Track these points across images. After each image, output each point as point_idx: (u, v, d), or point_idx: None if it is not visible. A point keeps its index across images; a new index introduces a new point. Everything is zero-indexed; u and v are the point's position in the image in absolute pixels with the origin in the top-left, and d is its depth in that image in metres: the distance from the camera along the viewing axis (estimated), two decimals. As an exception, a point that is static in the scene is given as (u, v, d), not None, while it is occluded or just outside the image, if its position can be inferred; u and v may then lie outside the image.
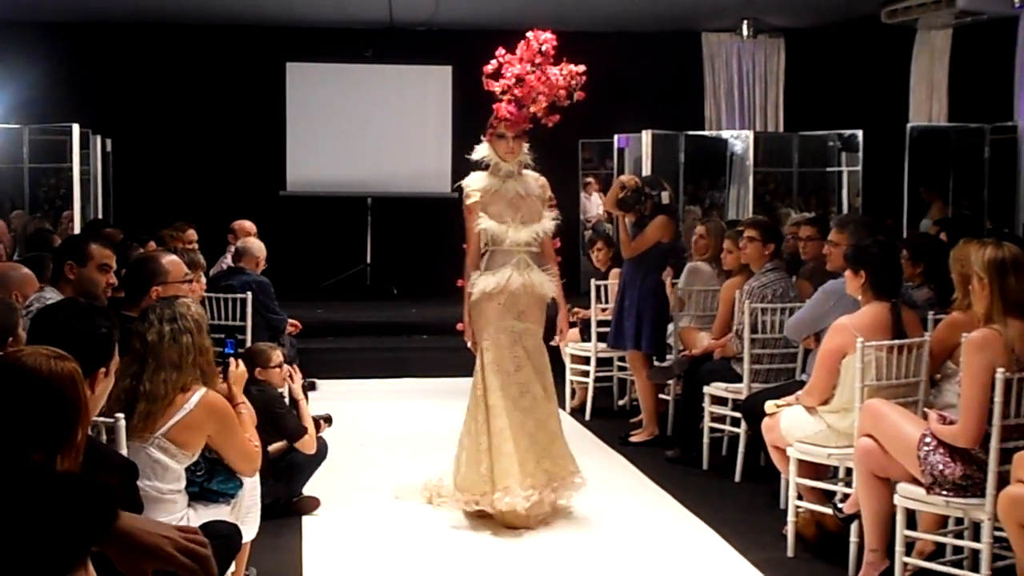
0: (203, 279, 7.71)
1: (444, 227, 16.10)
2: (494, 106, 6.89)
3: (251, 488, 5.07)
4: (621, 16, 14.56)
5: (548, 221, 7.04)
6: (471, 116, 15.98)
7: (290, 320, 9.52)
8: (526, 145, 7.07)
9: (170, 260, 6.06)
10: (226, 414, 4.67)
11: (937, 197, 13.18)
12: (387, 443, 9.15)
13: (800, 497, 6.30)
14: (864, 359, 5.73)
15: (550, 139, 15.69)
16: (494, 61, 7.00)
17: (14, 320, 4.36)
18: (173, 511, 4.53)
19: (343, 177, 16.13)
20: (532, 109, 6.91)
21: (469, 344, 7.13)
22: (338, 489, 7.44)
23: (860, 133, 13.95)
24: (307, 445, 6.77)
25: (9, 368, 2.84)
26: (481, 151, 7.08)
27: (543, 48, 6.94)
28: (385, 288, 15.79)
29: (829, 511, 6.22)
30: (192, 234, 9.38)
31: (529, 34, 6.97)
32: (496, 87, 6.95)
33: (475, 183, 7.04)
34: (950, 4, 12.46)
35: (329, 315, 13.06)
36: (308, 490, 7.19)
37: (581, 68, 7.04)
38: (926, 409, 5.67)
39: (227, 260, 9.15)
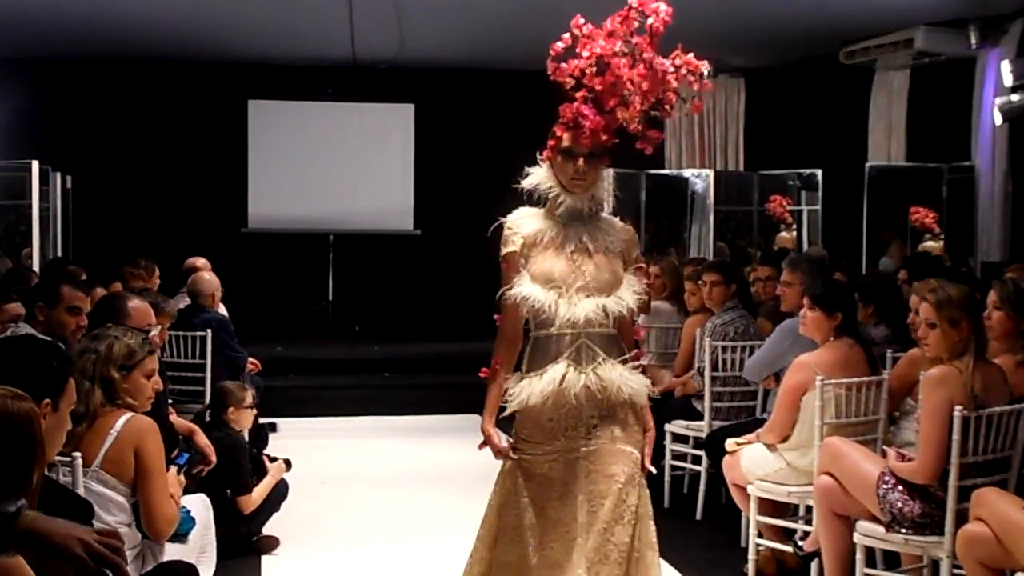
0: (167, 328, 7.63)
1: (407, 264, 16.22)
2: (561, 108, 4.35)
3: (205, 527, 5.04)
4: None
5: (629, 292, 4.38)
6: (433, 154, 16.18)
7: (250, 358, 9.47)
8: (607, 172, 4.60)
9: (137, 306, 6.04)
10: (155, 443, 4.54)
11: (896, 237, 13.30)
12: (348, 482, 9.10)
13: (761, 535, 6.32)
14: (823, 396, 5.77)
15: (509, 176, 15.88)
16: (567, 36, 4.34)
17: None
18: (132, 543, 4.45)
19: (305, 214, 16.11)
20: (620, 115, 4.28)
21: (494, 454, 4.62)
22: (298, 529, 7.39)
23: (820, 172, 14.06)
24: (247, 504, 6.77)
25: None
26: (536, 176, 4.50)
27: (649, 22, 4.22)
28: (347, 325, 15.77)
29: (790, 549, 6.25)
30: (151, 270, 9.34)
31: (634, 0, 4.24)
32: (566, 77, 4.32)
33: (522, 223, 4.50)
34: (908, 45, 12.60)
35: (290, 353, 13.01)
36: (268, 529, 7.16)
37: (704, 64, 4.31)
38: (885, 447, 5.70)
39: (183, 299, 9.09)
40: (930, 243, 13.23)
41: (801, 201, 14.67)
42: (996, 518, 4.86)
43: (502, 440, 4.55)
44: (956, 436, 5.07)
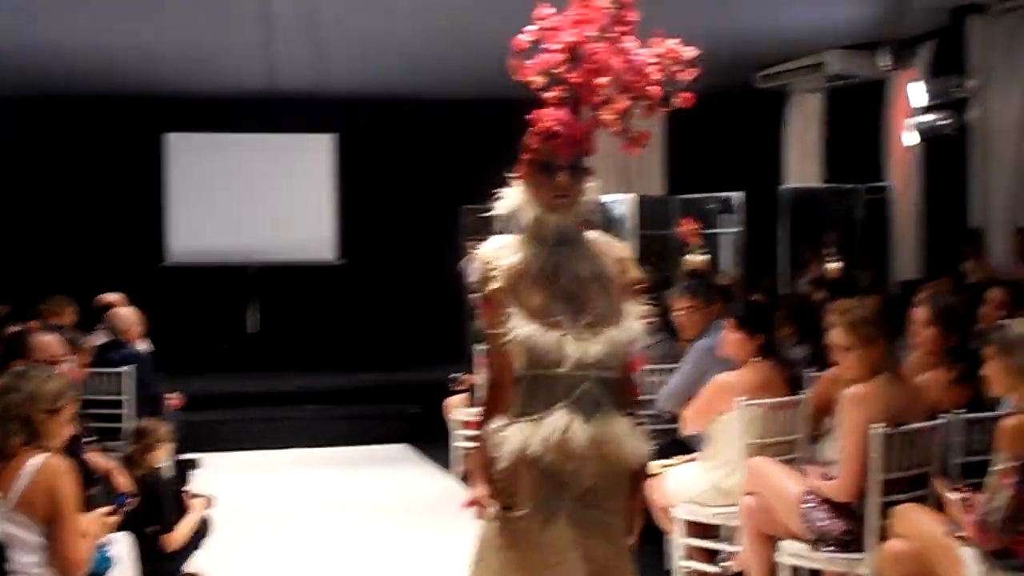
0: (85, 363, 7.55)
1: (330, 295, 16.17)
2: (533, 114, 3.65)
3: (125, 565, 4.97)
4: (505, 86, 14.67)
5: (633, 322, 3.71)
6: (358, 183, 16.16)
7: (172, 393, 9.38)
8: (592, 186, 3.75)
9: (42, 339, 6.00)
10: (68, 484, 4.47)
11: (813, 255, 13.42)
12: (273, 517, 9.05)
13: (688, 556, 6.33)
14: (745, 417, 5.80)
15: (428, 205, 15.99)
16: (531, 28, 3.64)
17: None
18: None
19: (226, 246, 16.01)
20: (604, 115, 3.61)
21: (479, 513, 3.78)
22: (221, 566, 7.29)
23: (738, 195, 14.18)
24: (170, 542, 6.68)
25: None
26: (511, 199, 3.76)
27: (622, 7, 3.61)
28: (270, 358, 15.65)
29: (716, 570, 6.27)
30: (71, 310, 9.23)
31: None
32: (535, 76, 3.64)
33: (501, 254, 3.72)
34: (821, 69, 12.76)
35: (213, 387, 12.87)
36: (190, 567, 7.08)
37: (688, 51, 3.66)
38: (805, 465, 5.74)
39: (101, 335, 8.99)
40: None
41: (721, 224, 14.77)
42: (917, 535, 4.91)
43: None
44: (875, 453, 5.12)
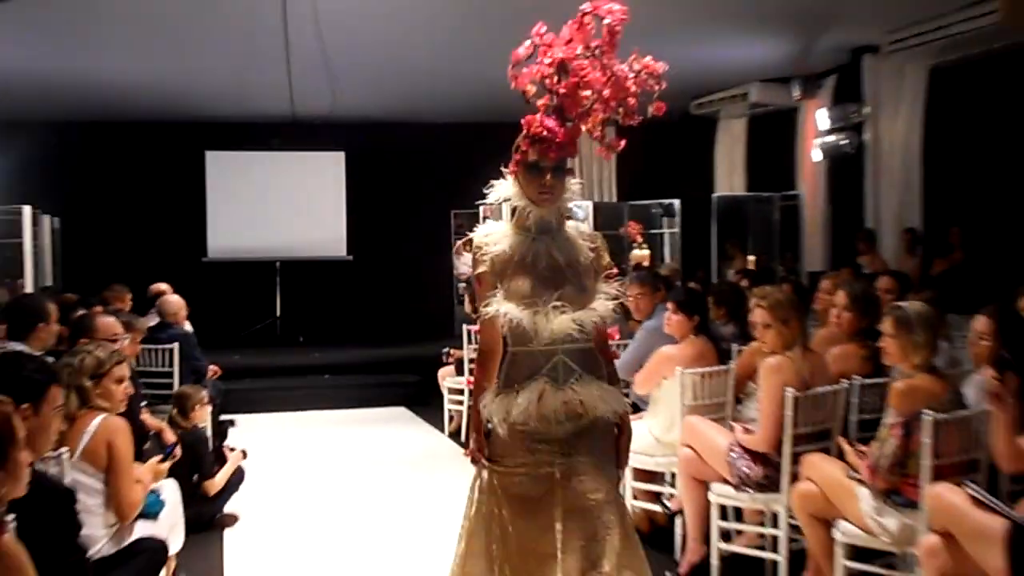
0: (139, 340, 7.53)
1: (341, 284, 16.14)
2: (523, 121, 3.54)
3: (173, 506, 4.96)
4: (489, 110, 14.67)
5: (604, 302, 3.65)
6: (361, 192, 16.13)
7: (211, 366, 9.35)
8: (573, 183, 3.69)
9: (103, 320, 6.01)
10: (124, 440, 4.49)
11: (738, 251, 13.46)
12: (295, 467, 9.01)
13: (635, 497, 6.34)
14: (683, 383, 5.81)
15: (421, 210, 15.97)
16: (527, 43, 3.52)
17: None
18: (109, 522, 4.42)
19: (255, 244, 15.96)
20: (584, 125, 3.55)
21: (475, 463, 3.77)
22: (253, 507, 7.33)
23: (677, 202, 14.18)
24: (211, 487, 6.75)
25: None
26: (502, 190, 3.72)
27: (606, 22, 3.45)
28: (292, 337, 15.63)
29: (659, 508, 6.29)
30: (128, 296, 9.20)
31: (586, 5, 3.47)
32: (529, 85, 3.53)
33: (491, 241, 3.67)
34: (744, 98, 12.77)
35: (245, 360, 12.83)
36: (228, 509, 7.11)
37: (660, 64, 3.51)
38: (732, 422, 5.75)
39: (154, 317, 8.97)
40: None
41: (663, 225, 14.78)
42: (822, 478, 4.93)
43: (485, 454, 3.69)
44: (789, 412, 5.13)
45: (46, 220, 13.84)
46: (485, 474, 3.64)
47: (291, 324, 15.95)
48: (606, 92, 3.45)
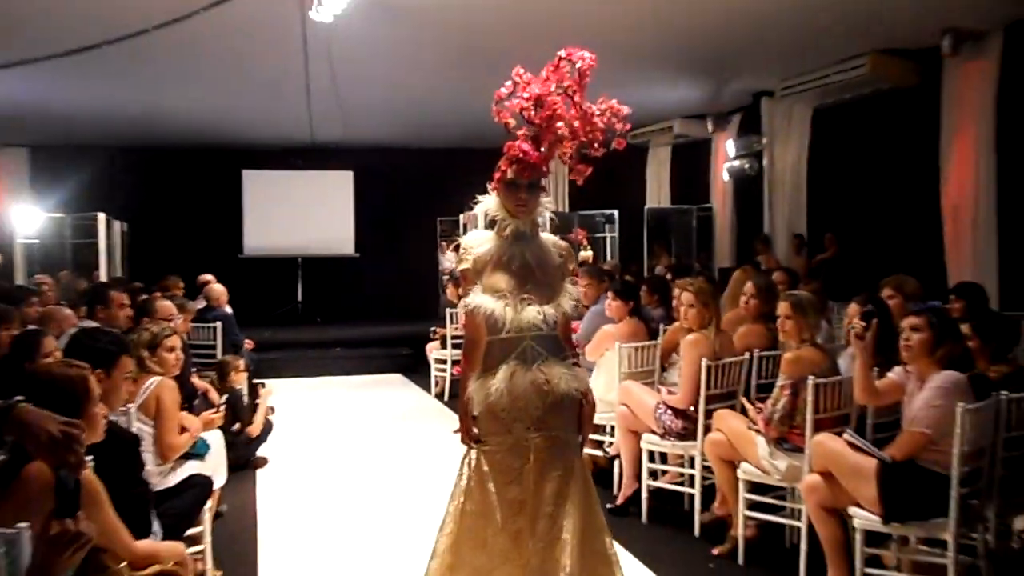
0: (189, 319, 7.52)
1: (349, 276, 16.11)
2: (505, 146, 3.45)
3: (218, 451, 4.95)
4: (468, 138, 14.70)
5: (566, 299, 3.48)
6: (366, 203, 16.10)
7: (247, 340, 9.33)
8: (546, 200, 3.56)
9: (162, 303, 6.00)
10: (169, 395, 4.45)
11: (664, 251, 13.51)
12: (313, 419, 9.01)
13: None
14: (621, 355, 5.85)
15: (413, 217, 15.97)
16: (508, 83, 3.45)
17: (39, 341, 4.21)
18: (158, 462, 4.39)
19: (281, 244, 15.86)
20: (557, 151, 3.47)
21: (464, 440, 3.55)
22: (280, 452, 7.35)
23: (616, 212, 14.22)
24: (252, 431, 6.81)
25: (36, 374, 2.97)
26: (486, 204, 3.57)
27: (578, 66, 3.40)
28: (311, 317, 15.58)
29: (601, 453, 6.33)
30: (180, 285, 9.18)
31: (561, 51, 3.43)
32: (508, 118, 3.46)
33: (475, 243, 3.53)
34: (669, 130, 12.82)
35: (273, 336, 12.77)
36: (259, 452, 7.12)
37: (625, 108, 3.48)
38: (659, 386, 5.80)
39: (201, 302, 8.97)
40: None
41: (604, 231, 14.82)
42: (728, 429, 4.98)
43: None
44: (703, 377, 5.18)
45: (116, 224, 13.73)
46: (473, 453, 3.45)
47: (310, 307, 15.89)
48: (575, 124, 3.37)
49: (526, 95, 3.36)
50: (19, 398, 2.29)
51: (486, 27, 7.90)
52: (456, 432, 3.53)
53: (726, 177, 12.48)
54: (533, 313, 3.35)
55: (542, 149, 3.40)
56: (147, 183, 15.33)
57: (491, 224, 3.56)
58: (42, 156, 14.98)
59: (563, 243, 3.58)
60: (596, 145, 3.42)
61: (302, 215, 15.94)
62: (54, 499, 2.11)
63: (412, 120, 13.31)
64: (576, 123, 3.36)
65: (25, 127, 13.44)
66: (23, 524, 2.44)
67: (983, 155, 8.30)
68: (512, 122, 3.40)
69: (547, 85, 3.36)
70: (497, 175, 3.45)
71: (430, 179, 15.79)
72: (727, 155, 12.27)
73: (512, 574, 3.30)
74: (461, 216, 14.54)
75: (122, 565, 2.75)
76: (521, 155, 3.37)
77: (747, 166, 11.87)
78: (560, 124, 3.36)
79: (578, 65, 3.35)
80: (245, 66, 9.69)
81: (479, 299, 3.38)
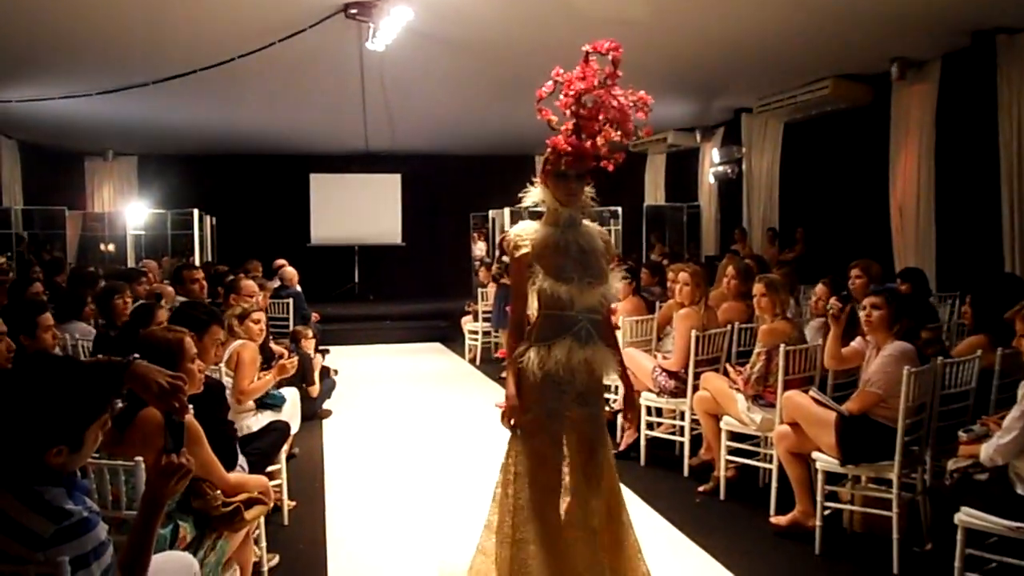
0: (267, 297, 7.59)
1: (397, 261, 16.15)
2: (549, 141, 3.05)
3: (293, 402, 5.00)
4: (495, 146, 14.67)
5: (614, 282, 3.14)
6: (412, 202, 16.12)
7: (314, 313, 9.39)
8: (590, 189, 3.18)
9: (245, 283, 6.03)
10: (247, 353, 4.47)
11: (660, 242, 13.46)
12: (368, 379, 9.04)
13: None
14: (623, 327, 5.85)
15: (450, 213, 15.97)
16: (549, 83, 3.04)
17: (153, 312, 4.28)
18: (245, 408, 4.45)
19: (342, 235, 15.90)
20: (599, 140, 3.06)
21: (507, 423, 3.03)
22: (342, 405, 7.40)
23: (620, 208, 14.18)
24: (312, 391, 6.78)
25: (147, 337, 3.02)
26: (533, 196, 3.15)
27: (610, 57, 3.00)
28: (365, 295, 15.64)
29: (608, 409, 6.33)
30: (260, 268, 9.24)
31: (586, 46, 3.02)
32: (551, 116, 3.06)
33: (526, 232, 3.13)
34: (664, 141, 12.74)
35: (336, 311, 12.82)
36: (325, 406, 7.17)
37: (651, 98, 3.07)
38: (655, 352, 5.80)
39: (277, 282, 9.01)
40: None
41: (608, 225, 14.76)
42: (713, 388, 4.97)
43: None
44: (693, 345, 5.17)
45: (208, 219, 13.84)
46: (520, 426, 3.02)
47: (365, 287, 15.91)
48: (612, 116, 3.04)
49: (571, 92, 3.02)
50: (135, 356, 2.34)
51: (512, 53, 7.89)
52: (499, 406, 3.18)
53: (712, 180, 12.41)
54: (597, 296, 3.04)
55: (587, 141, 3.04)
56: (232, 184, 15.37)
57: (533, 215, 3.25)
58: (148, 163, 15.08)
59: (604, 231, 3.24)
60: (629, 136, 3.08)
61: (358, 211, 15.97)
62: (164, 438, 2.15)
63: (450, 131, 13.29)
64: (615, 114, 3.04)
65: (134, 140, 13.57)
66: (139, 458, 2.51)
67: (924, 163, 8.31)
68: (555, 119, 3.07)
69: (588, 82, 3.02)
70: (546, 168, 3.10)
71: (464, 181, 15.78)
72: (712, 161, 12.20)
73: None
74: (490, 212, 14.53)
75: (217, 492, 2.81)
76: (571, 148, 3.01)
77: (729, 171, 11.80)
78: (601, 117, 3.04)
79: (609, 57, 2.99)
80: (312, 87, 9.71)
81: (546, 283, 3.00)
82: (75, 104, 9.88)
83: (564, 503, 3.02)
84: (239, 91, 9.80)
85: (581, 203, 3.13)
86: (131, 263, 11.76)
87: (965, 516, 3.25)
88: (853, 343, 4.31)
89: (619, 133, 3.04)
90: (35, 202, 13.09)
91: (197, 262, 11.93)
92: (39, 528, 1.81)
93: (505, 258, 8.93)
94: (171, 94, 9.35)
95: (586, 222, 3.17)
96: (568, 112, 3.04)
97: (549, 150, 3.06)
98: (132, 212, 13.51)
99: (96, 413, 1.97)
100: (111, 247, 13.64)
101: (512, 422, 3.00)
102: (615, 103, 3.01)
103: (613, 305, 6.15)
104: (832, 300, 4.43)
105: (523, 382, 3.00)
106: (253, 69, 8.15)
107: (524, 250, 3.07)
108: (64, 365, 2.05)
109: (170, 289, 5.96)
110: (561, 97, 3.03)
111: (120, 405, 2.77)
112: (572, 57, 3.07)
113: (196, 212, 12.70)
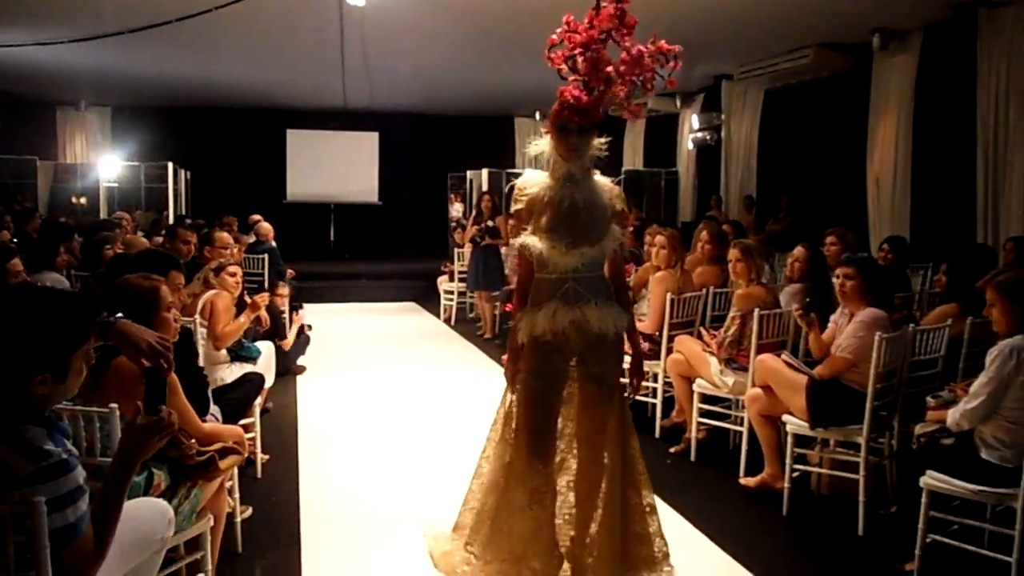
0: (242, 251, 7.50)
1: (373, 220, 16.06)
2: (558, 90, 2.91)
3: (268, 355, 4.97)
4: (475, 107, 14.53)
5: (610, 241, 2.95)
6: (389, 160, 15.99)
7: (289, 269, 9.31)
8: (600, 142, 3.00)
9: (220, 235, 5.97)
10: (221, 302, 4.47)
11: (636, 207, 13.42)
12: (342, 336, 9.03)
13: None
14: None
15: (428, 172, 15.88)
16: (559, 29, 2.94)
17: (128, 262, 4.22)
18: (219, 360, 4.43)
19: (318, 192, 15.78)
20: (610, 91, 2.93)
21: (510, 371, 3.05)
22: (315, 361, 7.37)
23: (598, 173, 14.10)
24: (285, 345, 6.72)
25: (122, 285, 2.96)
26: (540, 146, 2.99)
27: (622, 7, 2.91)
28: (341, 253, 15.57)
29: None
30: (235, 222, 9.12)
31: None
32: (560, 64, 2.95)
33: (528, 185, 3.00)
34: (644, 105, 12.65)
35: (311, 268, 12.72)
36: (299, 361, 7.14)
37: (677, 47, 2.94)
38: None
39: (252, 236, 8.91)
40: None
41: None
42: (687, 351, 5.00)
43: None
44: (667, 309, 5.19)
45: (182, 172, 13.64)
46: (515, 384, 3.01)
47: (340, 245, 15.85)
48: (622, 68, 2.89)
49: (569, 45, 2.92)
50: (119, 315, 2.32)
51: (496, 13, 7.77)
52: (505, 363, 3.10)
53: (690, 146, 12.40)
54: (576, 256, 2.89)
55: (593, 93, 2.91)
56: (207, 138, 15.14)
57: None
58: (122, 115, 14.79)
59: (615, 186, 3.07)
60: (649, 86, 2.94)
61: (335, 169, 15.83)
62: (140, 388, 2.13)
63: (430, 90, 13.13)
64: (623, 67, 2.89)
65: (108, 90, 13.28)
66: (114, 405, 2.48)
67: (902, 134, 8.33)
68: (565, 67, 2.94)
69: (592, 32, 2.89)
70: (551, 120, 2.94)
71: (443, 141, 15.67)
72: (692, 128, 12.18)
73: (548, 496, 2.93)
74: (468, 173, 14.43)
75: (192, 441, 2.78)
76: (572, 100, 2.87)
77: (708, 137, 11.79)
78: (609, 68, 2.89)
79: (621, 5, 2.88)
80: (290, 42, 9.52)
81: (528, 240, 2.93)
82: (47, 51, 9.62)
83: (567, 476, 2.99)
84: (216, 43, 9.60)
85: (587, 157, 2.96)
86: (103, 215, 11.56)
87: (930, 479, 3.31)
88: (831, 322, 4.31)
89: (640, 82, 2.89)
90: (4, 151, 12.81)
91: (171, 218, 11.77)
92: (16, 465, 1.79)
93: (490, 222, 8.93)
94: (147, 44, 9.13)
95: (597, 177, 3.03)
96: (565, 67, 2.94)
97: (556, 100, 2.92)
98: (105, 164, 13.24)
99: (79, 340, 1.96)
100: (83, 200, 13.40)
101: (509, 376, 3.03)
102: (624, 55, 2.87)
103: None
104: (796, 314, 4.41)
105: (515, 346, 3.00)
106: (230, 21, 7.97)
107: (519, 206, 2.98)
108: (46, 294, 2.03)
109: (142, 240, 5.88)
110: (563, 47, 2.92)
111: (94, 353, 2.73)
112: (555, 20, 3.00)
113: (171, 166, 12.50)
